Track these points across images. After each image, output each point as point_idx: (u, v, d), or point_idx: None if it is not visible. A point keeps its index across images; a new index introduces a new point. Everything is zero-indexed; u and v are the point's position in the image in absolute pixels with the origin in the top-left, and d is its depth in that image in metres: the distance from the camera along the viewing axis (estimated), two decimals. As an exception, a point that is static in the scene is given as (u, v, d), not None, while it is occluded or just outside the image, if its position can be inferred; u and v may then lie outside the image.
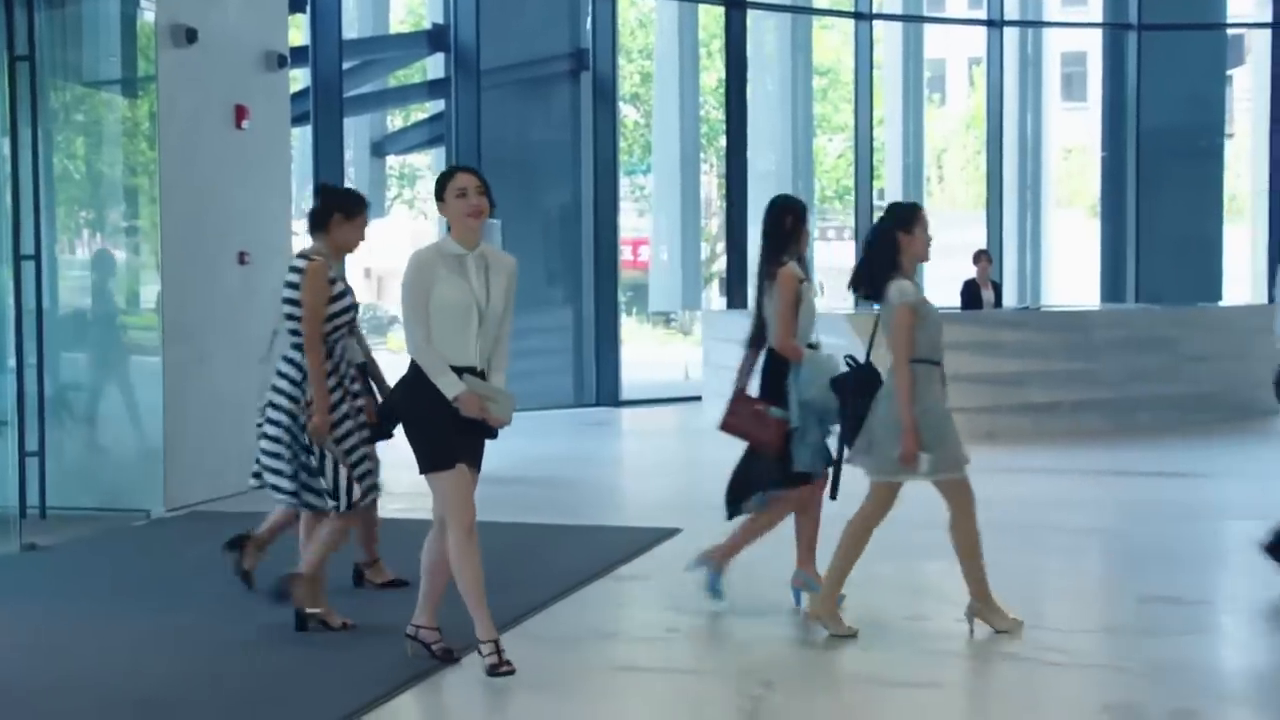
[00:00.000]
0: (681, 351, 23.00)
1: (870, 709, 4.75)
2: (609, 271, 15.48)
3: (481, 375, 4.89)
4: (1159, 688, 4.83)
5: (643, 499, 9.89)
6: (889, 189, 20.06)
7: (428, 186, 31.49)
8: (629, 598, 6.52)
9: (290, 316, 5.64)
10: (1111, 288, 18.50)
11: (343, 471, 5.60)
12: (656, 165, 18.45)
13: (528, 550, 7.35)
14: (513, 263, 5.05)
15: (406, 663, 5.12)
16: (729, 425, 5.94)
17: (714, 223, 25.06)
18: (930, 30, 20.97)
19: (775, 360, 5.81)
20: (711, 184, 25.92)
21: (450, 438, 4.85)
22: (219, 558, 6.36)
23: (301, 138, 13.81)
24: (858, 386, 5.49)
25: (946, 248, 18.79)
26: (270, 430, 5.64)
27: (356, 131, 15.74)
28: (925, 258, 5.51)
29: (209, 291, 9.09)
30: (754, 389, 5.99)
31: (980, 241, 17.57)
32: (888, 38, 19.22)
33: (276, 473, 5.65)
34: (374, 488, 5.79)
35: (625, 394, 15.54)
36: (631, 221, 26.93)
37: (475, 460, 4.99)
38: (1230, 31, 20.38)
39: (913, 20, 18.69)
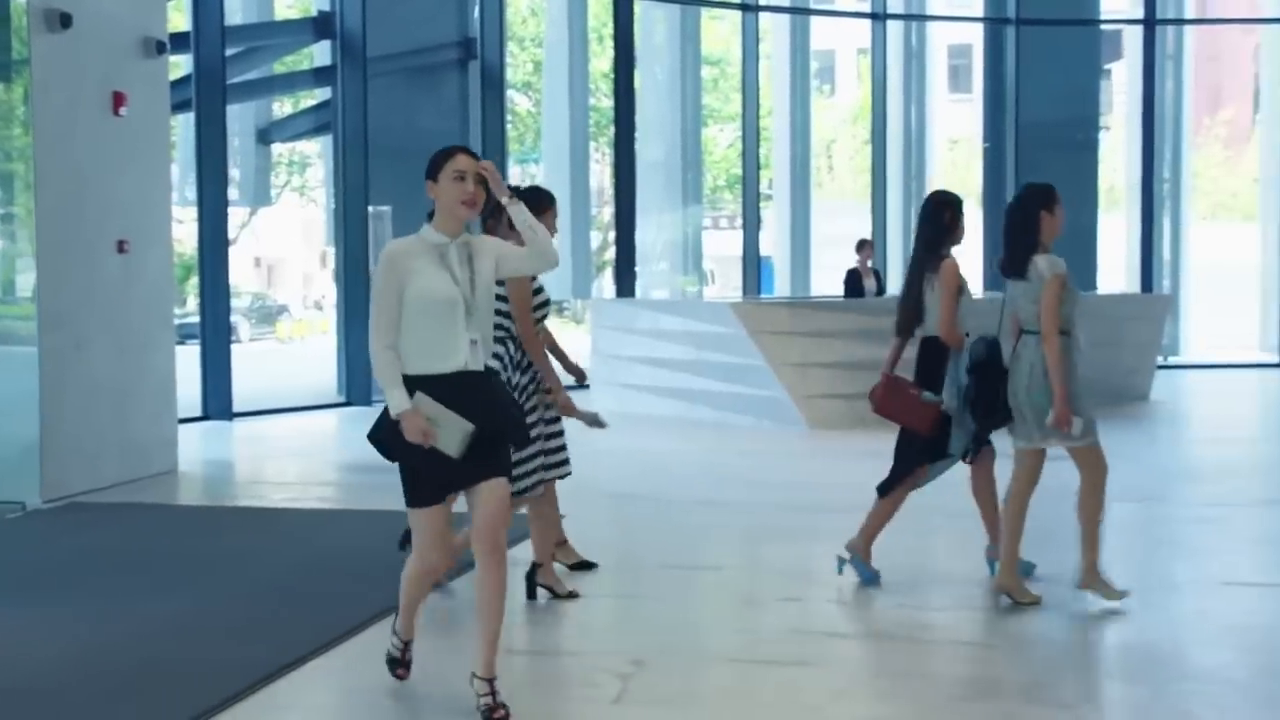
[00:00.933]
0: (574, 340, 23.09)
1: (739, 687, 4.87)
2: (497, 260, 15.48)
3: (475, 377, 4.40)
4: (1017, 662, 5.02)
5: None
6: (777, 179, 20.31)
7: (317, 174, 31.31)
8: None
9: (496, 312, 5.77)
10: (994, 276, 18.84)
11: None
12: (546, 154, 18.50)
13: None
14: (496, 244, 4.56)
15: (284, 649, 5.14)
16: (883, 409, 6.13)
17: (605, 212, 25.12)
18: (820, 21, 21.26)
19: (931, 347, 6.02)
20: (604, 173, 26.00)
21: (429, 466, 4.33)
22: (98, 549, 6.31)
23: (184, 125, 13.66)
24: (985, 363, 5.74)
25: (835, 237, 19.15)
26: None
27: (242, 118, 15.57)
28: (1060, 234, 5.76)
29: (87, 279, 8.98)
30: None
31: (867, 231, 17.88)
32: (776, 29, 19.45)
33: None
34: (530, 487, 5.84)
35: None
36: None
37: (487, 470, 4.39)
38: (1107, 27, 20.94)
39: (798, 12, 18.91)
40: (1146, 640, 5.40)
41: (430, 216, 4.48)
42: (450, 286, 4.35)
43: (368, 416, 13.32)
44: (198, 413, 12.74)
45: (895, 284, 18.65)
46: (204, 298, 13.12)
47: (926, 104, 20.08)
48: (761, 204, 19.35)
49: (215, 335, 13.06)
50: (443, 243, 4.41)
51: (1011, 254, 5.77)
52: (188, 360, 12.53)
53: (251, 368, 18.47)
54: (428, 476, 4.37)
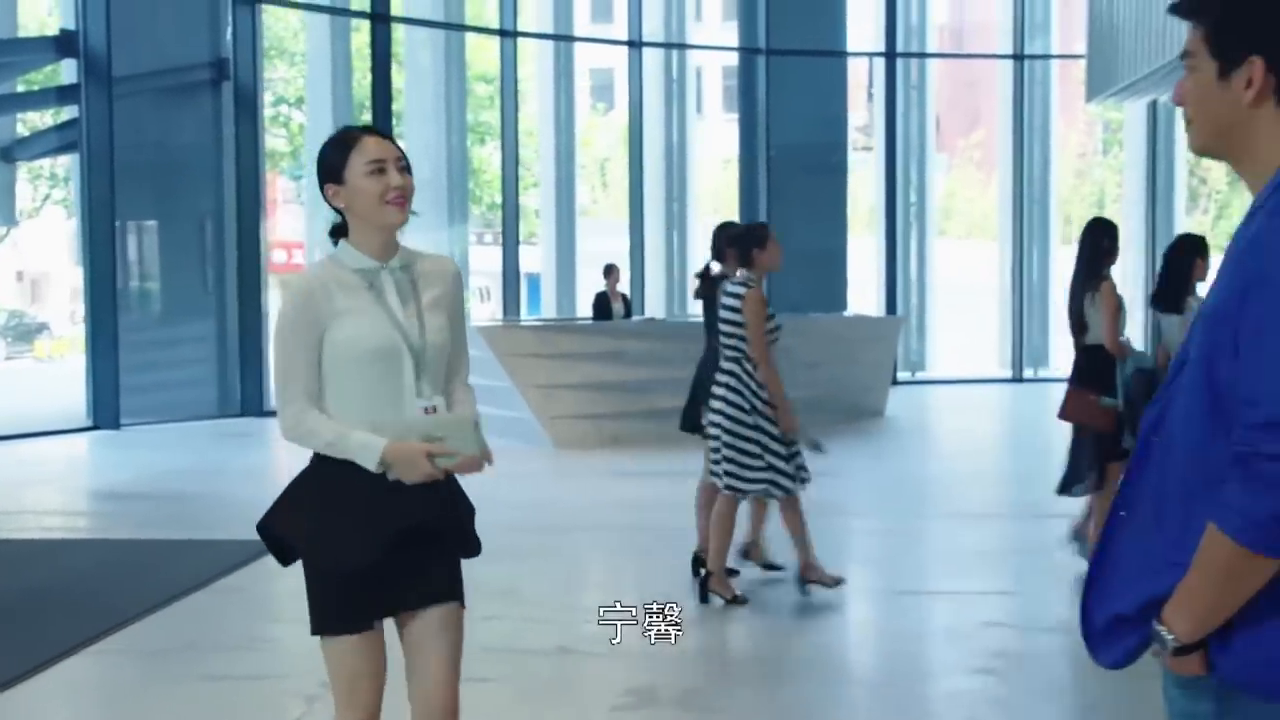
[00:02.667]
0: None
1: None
2: (253, 279, 15.46)
3: None
4: (676, 671, 5.41)
5: (259, 511, 9.96)
6: (543, 197, 20.68)
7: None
8: (224, 610, 6.72)
9: (730, 334, 6.34)
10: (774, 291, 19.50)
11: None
12: (310, 171, 18.48)
13: (127, 567, 7.44)
14: (450, 266, 3.34)
15: (37, 649, 5.21)
16: (1069, 414, 6.82)
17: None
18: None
19: (1095, 355, 6.72)
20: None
21: (348, 565, 3.13)
22: None
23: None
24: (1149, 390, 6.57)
25: (606, 255, 19.52)
26: (730, 439, 6.31)
27: (-17, 135, 15.22)
28: (1204, 278, 6.71)
29: None
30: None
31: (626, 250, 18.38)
32: (542, 50, 19.84)
33: (746, 468, 6.32)
34: (760, 487, 6.39)
35: (276, 403, 15.42)
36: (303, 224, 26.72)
37: (427, 593, 3.21)
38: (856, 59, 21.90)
39: (555, 38, 19.32)
40: (813, 645, 5.86)
41: (338, 232, 3.25)
42: (387, 330, 3.15)
43: (115, 441, 13.30)
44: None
45: (652, 307, 19.23)
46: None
47: (688, 126, 20.70)
48: (536, 223, 19.67)
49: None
50: (370, 267, 3.19)
51: (1169, 291, 6.81)
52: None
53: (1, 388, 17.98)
54: (348, 585, 3.13)
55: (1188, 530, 1.96)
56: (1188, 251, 6.87)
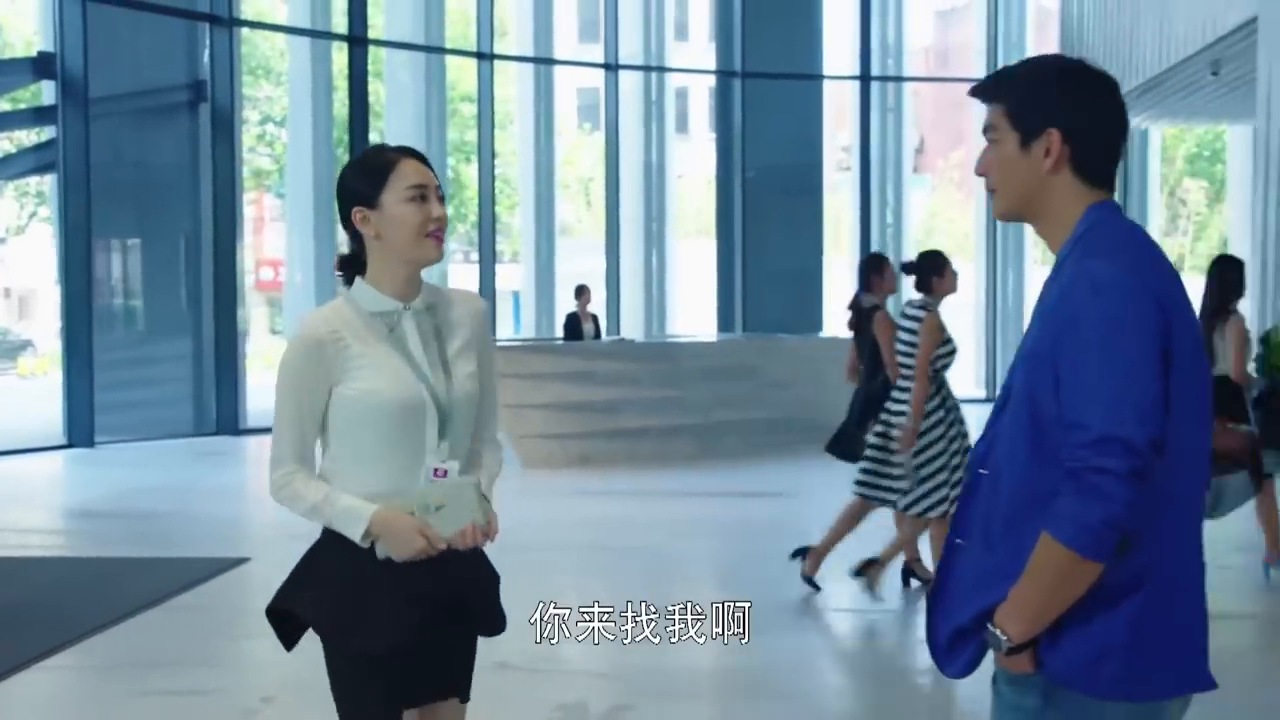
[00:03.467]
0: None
1: None
2: (229, 297, 15.59)
3: None
4: (610, 688, 5.54)
5: (226, 529, 10.06)
6: (522, 215, 20.85)
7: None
8: (177, 626, 6.83)
9: (907, 355, 6.86)
10: (724, 318, 19.72)
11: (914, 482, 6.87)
12: (291, 190, 18.64)
13: (86, 584, 7.56)
14: (478, 304, 3.01)
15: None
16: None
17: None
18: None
19: (1222, 387, 7.03)
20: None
21: (381, 665, 2.83)
22: None
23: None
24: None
25: (586, 274, 19.67)
26: (913, 458, 6.83)
27: (-37, 156, 15.37)
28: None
29: None
30: None
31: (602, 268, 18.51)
32: (523, 71, 20.04)
33: (930, 487, 6.82)
34: (932, 506, 6.84)
35: (252, 421, 15.51)
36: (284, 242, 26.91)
37: (446, 684, 3.01)
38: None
39: (532, 61, 19.54)
40: (767, 665, 6.00)
41: (349, 266, 2.92)
42: (410, 382, 2.81)
43: (89, 459, 13.41)
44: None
45: (630, 327, 19.38)
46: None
47: (668, 146, 20.87)
48: (495, 239, 19.80)
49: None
50: (391, 309, 2.85)
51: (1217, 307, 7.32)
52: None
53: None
54: (382, 670, 2.84)
55: (1017, 550, 2.18)
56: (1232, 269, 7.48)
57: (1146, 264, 2.21)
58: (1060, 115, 2.28)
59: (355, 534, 2.78)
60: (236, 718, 5.20)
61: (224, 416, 15.42)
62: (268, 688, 5.59)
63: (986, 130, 2.36)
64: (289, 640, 2.96)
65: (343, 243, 2.96)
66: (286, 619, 2.92)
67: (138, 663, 6.08)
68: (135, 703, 5.50)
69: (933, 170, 39.38)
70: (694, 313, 20.95)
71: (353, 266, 2.90)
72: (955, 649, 2.31)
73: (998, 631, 2.21)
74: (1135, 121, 17.66)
